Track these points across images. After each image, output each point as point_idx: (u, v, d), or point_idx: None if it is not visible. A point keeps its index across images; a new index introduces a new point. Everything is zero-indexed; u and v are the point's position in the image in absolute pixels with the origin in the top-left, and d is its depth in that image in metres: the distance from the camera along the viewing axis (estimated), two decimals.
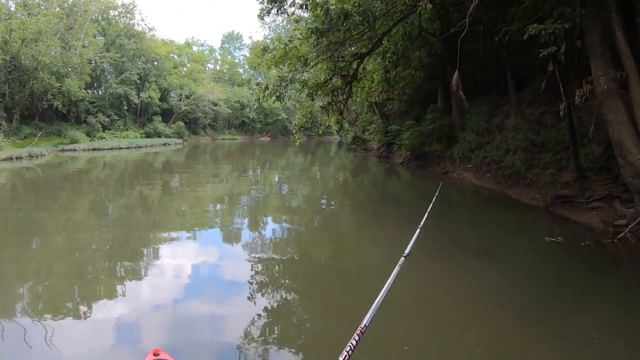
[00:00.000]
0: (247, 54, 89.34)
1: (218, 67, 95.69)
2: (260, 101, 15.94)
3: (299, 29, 14.85)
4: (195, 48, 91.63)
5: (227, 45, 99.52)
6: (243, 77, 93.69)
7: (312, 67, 14.77)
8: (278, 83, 14.18)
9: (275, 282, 7.50)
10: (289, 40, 13.96)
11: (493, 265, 8.42)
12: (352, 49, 15.26)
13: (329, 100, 16.34)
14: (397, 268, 2.99)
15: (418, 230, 4.21)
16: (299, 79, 14.82)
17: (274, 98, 14.85)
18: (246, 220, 13.12)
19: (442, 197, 17.23)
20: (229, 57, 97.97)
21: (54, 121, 44.81)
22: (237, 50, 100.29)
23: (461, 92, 11.19)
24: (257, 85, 15.79)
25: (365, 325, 2.28)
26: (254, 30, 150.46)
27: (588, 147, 13.85)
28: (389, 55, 16.50)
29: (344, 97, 16.71)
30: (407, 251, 3.38)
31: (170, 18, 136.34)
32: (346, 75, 15.72)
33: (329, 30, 12.94)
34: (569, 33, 10.56)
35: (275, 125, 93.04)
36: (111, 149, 41.80)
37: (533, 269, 8.21)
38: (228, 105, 77.60)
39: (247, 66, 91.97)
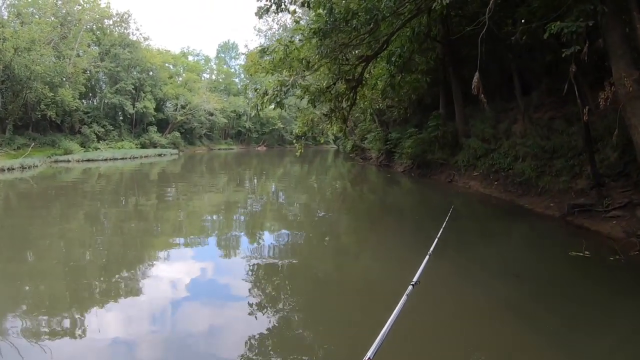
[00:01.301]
0: (243, 63, 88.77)
1: (214, 77, 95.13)
2: (259, 108, 14.64)
3: (300, 30, 13.97)
4: (190, 58, 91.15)
5: (223, 55, 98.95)
6: (239, 86, 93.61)
7: (315, 70, 13.70)
8: (278, 88, 13.05)
9: (273, 302, 7.07)
10: (290, 41, 12.98)
11: (520, 287, 7.57)
12: (356, 51, 14.46)
13: (332, 107, 15.38)
14: (404, 297, 2.89)
15: (427, 256, 3.96)
16: (300, 83, 13.62)
17: (272, 105, 14.08)
18: (242, 234, 12.58)
19: (450, 208, 16.76)
20: (225, 66, 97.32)
21: (48, 131, 44.17)
22: (233, 60, 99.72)
23: (482, 95, 10.35)
24: (256, 90, 14.66)
25: (369, 358, 2.16)
26: (250, 39, 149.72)
27: (602, 153, 13.24)
28: (394, 59, 15.54)
29: (349, 103, 15.75)
30: (415, 279, 3.24)
31: (166, 28, 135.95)
32: (351, 80, 14.72)
33: (332, 31, 12.16)
34: (588, 32, 9.91)
35: (271, 134, 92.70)
36: (105, 159, 40.97)
37: (566, 290, 7.36)
38: (224, 115, 77.15)
39: (242, 76, 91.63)
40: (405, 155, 26.48)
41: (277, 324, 6.09)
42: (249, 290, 7.58)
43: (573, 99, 16.89)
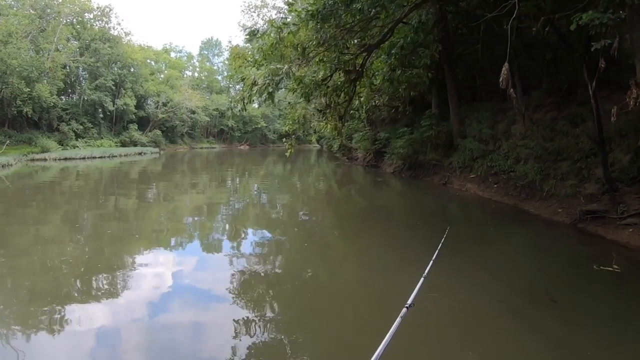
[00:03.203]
0: (227, 61, 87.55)
1: (196, 74, 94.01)
2: (246, 101, 12.60)
3: (295, 12, 12.07)
4: (173, 54, 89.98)
5: (206, 52, 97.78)
6: (222, 84, 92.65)
7: (312, 58, 12.23)
8: (270, 77, 11.21)
9: (257, 313, 6.47)
10: (283, 23, 11.50)
11: (551, 313, 6.52)
12: (355, 41, 13.23)
13: (328, 102, 14.21)
14: (398, 320, 2.76)
15: (422, 279, 3.68)
16: (294, 73, 11.77)
17: (256, 104, 12.80)
18: (224, 237, 11.99)
19: (451, 214, 15.91)
20: (208, 64, 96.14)
21: (25, 129, 42.65)
22: (216, 57, 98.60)
23: (512, 90, 9.36)
24: (243, 80, 12.39)
25: None
26: (234, 34, 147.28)
27: (611, 156, 12.48)
28: (394, 51, 14.37)
29: (346, 98, 14.62)
30: (409, 302, 3.08)
31: (148, 23, 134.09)
32: (351, 71, 13.48)
33: (331, 14, 10.97)
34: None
35: (254, 133, 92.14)
36: (83, 158, 39.71)
37: (615, 319, 6.26)
38: (206, 113, 76.21)
39: (226, 73, 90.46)
40: (397, 156, 25.60)
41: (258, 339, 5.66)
42: (229, 295, 7.19)
43: (574, 99, 16.32)
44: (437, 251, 4.89)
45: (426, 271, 3.98)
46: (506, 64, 9.15)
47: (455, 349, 5.42)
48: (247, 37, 12.39)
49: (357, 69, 13.23)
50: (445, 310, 6.46)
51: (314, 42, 11.83)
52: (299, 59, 11.60)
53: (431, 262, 4.36)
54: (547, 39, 16.57)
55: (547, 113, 16.97)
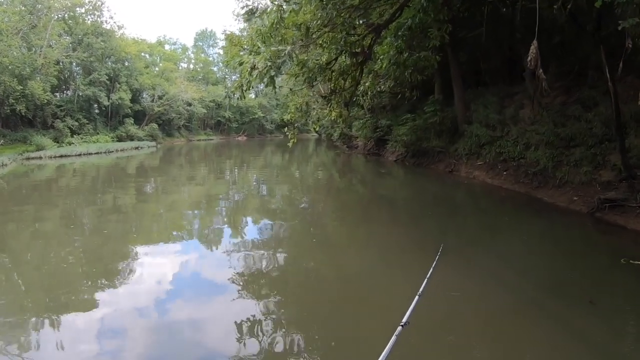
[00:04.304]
0: (221, 52, 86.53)
1: (191, 66, 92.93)
2: (244, 89, 11.21)
3: None
4: (167, 47, 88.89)
5: (201, 44, 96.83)
6: (217, 75, 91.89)
7: (317, 39, 11.26)
8: (271, 60, 10.12)
9: (262, 311, 6.36)
10: (285, 0, 10.61)
11: (591, 316, 5.94)
12: (361, 21, 12.32)
13: (333, 87, 13.42)
14: (393, 338, 2.71)
15: (417, 297, 3.60)
16: (297, 55, 11.02)
17: (255, 91, 11.94)
18: (224, 232, 11.53)
19: (460, 202, 15.42)
20: (203, 55, 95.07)
21: (19, 127, 41.77)
22: (211, 48, 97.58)
23: (541, 71, 8.69)
24: (241, 65, 10.84)
25: None
26: (228, 24, 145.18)
27: (627, 141, 11.97)
28: (401, 32, 13.32)
29: (353, 82, 13.70)
30: (404, 320, 3.02)
31: (141, 16, 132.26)
32: (358, 54, 12.49)
33: None
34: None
35: (251, 124, 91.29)
36: (79, 155, 38.99)
37: None
38: (203, 105, 75.35)
39: (221, 64, 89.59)
40: (400, 143, 25.03)
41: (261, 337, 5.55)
42: (232, 290, 7.14)
43: (584, 82, 15.76)
44: (431, 269, 4.56)
45: (421, 289, 3.80)
46: (535, 42, 8.49)
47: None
48: (245, 16, 11.33)
49: (364, 50, 12.35)
50: (471, 312, 6.09)
51: (318, 22, 11.06)
52: (302, 40, 10.74)
53: (425, 280, 4.13)
54: (556, 21, 15.97)
55: (557, 97, 16.44)
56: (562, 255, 8.81)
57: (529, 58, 8.43)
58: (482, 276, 7.30)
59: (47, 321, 6.00)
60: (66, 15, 50.52)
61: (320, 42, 11.49)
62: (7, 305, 6.54)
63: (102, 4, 53.52)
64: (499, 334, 5.55)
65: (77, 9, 51.82)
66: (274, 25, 10.65)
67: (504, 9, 15.04)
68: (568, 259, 8.54)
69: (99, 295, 6.88)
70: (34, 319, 6.07)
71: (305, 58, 11.21)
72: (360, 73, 13.16)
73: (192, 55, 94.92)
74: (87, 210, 14.55)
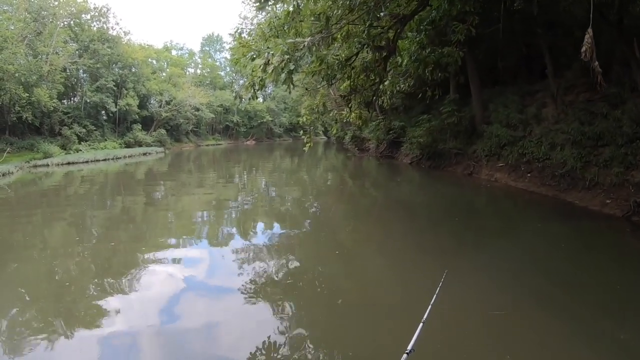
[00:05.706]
0: (228, 56, 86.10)
1: (199, 71, 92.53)
2: (256, 88, 9.87)
3: None
4: (174, 52, 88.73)
5: (207, 48, 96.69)
6: (225, 80, 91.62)
7: (338, 31, 10.10)
8: (289, 53, 8.73)
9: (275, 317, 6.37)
10: None
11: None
12: (385, 12, 11.31)
13: (353, 85, 12.29)
14: None
15: (421, 324, 3.42)
16: (316, 49, 9.36)
17: (262, 95, 11.05)
18: (234, 238, 11.33)
19: (484, 209, 14.58)
20: (210, 60, 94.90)
21: (26, 135, 41.37)
22: (218, 53, 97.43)
23: (596, 64, 7.91)
24: (253, 60, 9.57)
25: None
26: (236, 24, 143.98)
27: None
28: (424, 25, 12.24)
29: (376, 79, 12.59)
30: (409, 347, 2.97)
31: (147, 22, 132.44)
32: (382, 48, 11.38)
33: None
34: None
35: (259, 128, 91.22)
36: (87, 161, 38.53)
37: None
38: (211, 109, 74.94)
39: (228, 69, 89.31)
40: (415, 145, 24.29)
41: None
42: (244, 295, 7.13)
43: (608, 78, 15.01)
44: (434, 296, 4.26)
45: (425, 316, 3.70)
46: (589, 30, 7.64)
47: None
48: (258, 4, 10.23)
49: (389, 43, 11.33)
50: (519, 330, 5.50)
51: (339, 12, 10.20)
52: (321, 31, 9.65)
53: (429, 306, 3.95)
54: (575, 15, 15.28)
55: (580, 94, 15.73)
56: (605, 268, 7.98)
57: (583, 49, 7.64)
58: (523, 294, 6.59)
59: (58, 329, 6.02)
60: (72, 22, 50.38)
61: (340, 35, 10.51)
62: (16, 314, 6.53)
63: (107, 10, 53.58)
64: None
65: (83, 15, 51.74)
66: (290, 15, 9.88)
67: (522, 4, 14.25)
68: (614, 273, 7.70)
69: (108, 304, 6.81)
70: (42, 326, 6.13)
71: (325, 53, 10.18)
72: (384, 69, 12.17)
73: (199, 60, 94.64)
74: (96, 218, 14.20)
